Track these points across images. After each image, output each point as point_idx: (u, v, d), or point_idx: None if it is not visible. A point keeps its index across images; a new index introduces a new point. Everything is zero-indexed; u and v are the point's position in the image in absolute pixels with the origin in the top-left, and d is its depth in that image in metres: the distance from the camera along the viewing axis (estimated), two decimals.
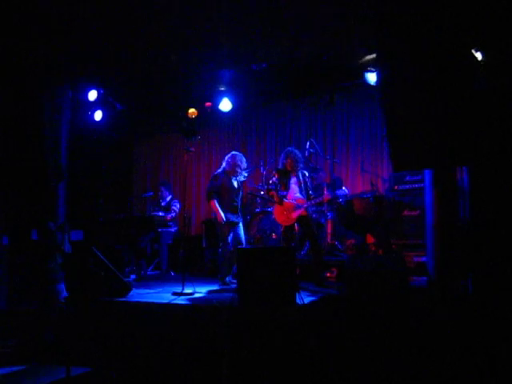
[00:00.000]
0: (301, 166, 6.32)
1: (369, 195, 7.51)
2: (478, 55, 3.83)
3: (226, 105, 8.26)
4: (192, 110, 8.62)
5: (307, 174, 6.45)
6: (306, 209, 6.18)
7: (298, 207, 6.07)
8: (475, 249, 4.64)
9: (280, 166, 6.40)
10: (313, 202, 6.23)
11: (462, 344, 4.26)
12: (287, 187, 6.24)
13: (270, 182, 6.36)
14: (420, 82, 4.05)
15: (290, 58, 6.92)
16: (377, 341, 4.45)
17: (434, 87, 4.00)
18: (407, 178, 7.33)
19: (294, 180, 6.28)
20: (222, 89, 8.31)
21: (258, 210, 7.96)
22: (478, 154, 3.99)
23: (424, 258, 5.66)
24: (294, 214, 6.08)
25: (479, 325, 4.26)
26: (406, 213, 7.23)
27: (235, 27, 5.51)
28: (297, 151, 6.35)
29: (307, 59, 7.23)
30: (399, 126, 4.20)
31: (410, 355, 4.31)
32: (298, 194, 6.20)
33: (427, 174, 5.30)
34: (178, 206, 8.28)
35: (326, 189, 7.43)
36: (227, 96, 8.26)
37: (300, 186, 6.23)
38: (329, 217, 7.76)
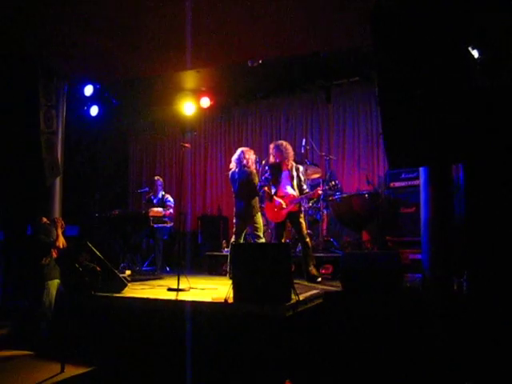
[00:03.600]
0: (291, 158, 6.24)
1: (364, 192, 7.52)
2: (475, 53, 3.84)
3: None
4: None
5: (301, 168, 6.36)
6: (298, 204, 6.13)
7: (287, 204, 6.03)
8: (470, 246, 4.66)
9: (271, 160, 6.36)
10: (303, 196, 6.17)
11: (457, 341, 4.28)
12: (278, 182, 6.19)
13: (263, 178, 6.32)
14: (417, 80, 4.06)
15: (286, 55, 6.90)
16: (371, 338, 4.47)
17: (430, 85, 4.00)
18: (403, 176, 7.35)
19: (285, 174, 6.20)
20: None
21: None
22: (474, 151, 4.00)
23: (419, 256, 5.68)
24: (284, 211, 6.04)
25: (474, 322, 4.28)
26: (401, 210, 7.25)
27: (230, 22, 5.50)
28: (287, 144, 6.30)
29: (304, 56, 7.22)
30: (395, 124, 4.21)
31: (404, 352, 4.33)
32: (289, 189, 6.13)
33: (423, 172, 5.31)
34: (172, 200, 8.26)
35: (321, 185, 7.40)
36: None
37: (292, 181, 6.18)
38: (324, 213, 7.77)
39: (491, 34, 3.81)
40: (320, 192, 6.16)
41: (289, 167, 6.22)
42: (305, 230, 6.09)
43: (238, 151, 6.58)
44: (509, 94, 3.78)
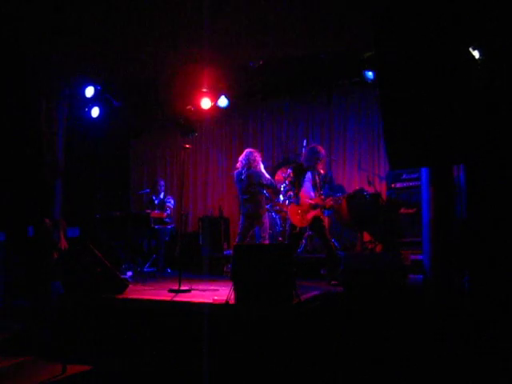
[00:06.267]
0: (320, 163, 6.18)
1: (365, 193, 7.52)
2: (476, 53, 3.84)
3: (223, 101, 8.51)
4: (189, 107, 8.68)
5: (323, 172, 6.30)
6: (322, 209, 6.07)
7: (314, 207, 5.96)
8: (471, 246, 4.66)
9: (303, 162, 6.25)
10: (333, 202, 6.11)
11: (459, 341, 4.28)
12: (301, 185, 6.11)
13: (287, 181, 6.27)
14: (418, 80, 4.06)
15: (287, 56, 6.91)
16: (373, 338, 4.46)
17: (431, 85, 4.01)
18: (404, 176, 7.34)
19: (308, 176, 6.11)
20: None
21: None
22: (475, 152, 4.00)
23: (420, 256, 5.67)
24: (309, 215, 5.97)
25: (476, 322, 4.28)
26: (402, 211, 7.24)
27: (231, 24, 5.51)
28: (321, 148, 6.25)
29: (305, 57, 7.23)
30: (396, 124, 4.21)
31: (406, 352, 4.32)
32: (311, 193, 6.06)
33: (424, 172, 5.31)
34: (172, 201, 8.28)
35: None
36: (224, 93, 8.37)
37: (312, 184, 6.08)
38: (325, 214, 7.75)
39: (492, 34, 3.82)
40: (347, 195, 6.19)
41: (313, 169, 6.12)
42: (328, 234, 6.04)
43: (246, 151, 6.61)
44: (509, 93, 3.79)
